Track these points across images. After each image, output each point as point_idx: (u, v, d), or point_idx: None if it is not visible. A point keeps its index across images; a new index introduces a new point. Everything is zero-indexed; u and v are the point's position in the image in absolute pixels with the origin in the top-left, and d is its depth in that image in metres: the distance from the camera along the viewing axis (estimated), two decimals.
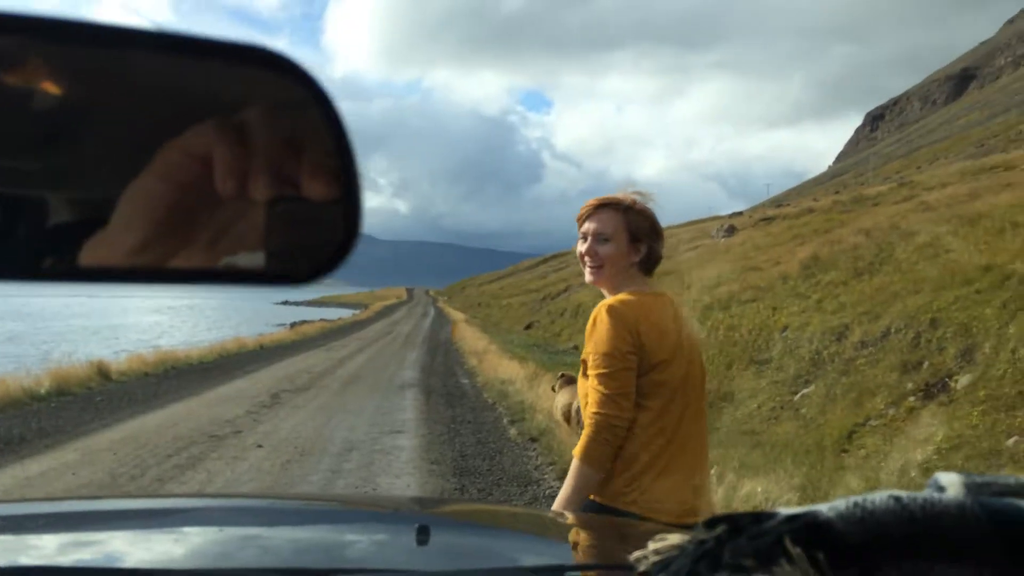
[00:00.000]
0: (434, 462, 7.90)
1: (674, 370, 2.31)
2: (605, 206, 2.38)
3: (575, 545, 1.65)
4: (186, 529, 1.58)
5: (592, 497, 2.28)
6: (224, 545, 1.39)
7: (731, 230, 38.18)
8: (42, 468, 7.39)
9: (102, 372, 13.98)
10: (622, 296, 2.33)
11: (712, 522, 0.49)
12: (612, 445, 2.23)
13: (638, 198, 2.40)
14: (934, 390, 8.94)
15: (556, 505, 2.25)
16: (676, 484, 2.28)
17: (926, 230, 14.46)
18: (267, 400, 12.06)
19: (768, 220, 35.54)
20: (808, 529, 0.45)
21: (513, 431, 9.74)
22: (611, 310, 2.28)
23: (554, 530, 1.78)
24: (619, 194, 2.40)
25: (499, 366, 16.31)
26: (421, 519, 1.52)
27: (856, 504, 0.46)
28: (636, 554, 0.52)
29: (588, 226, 2.39)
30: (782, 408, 11.25)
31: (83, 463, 7.67)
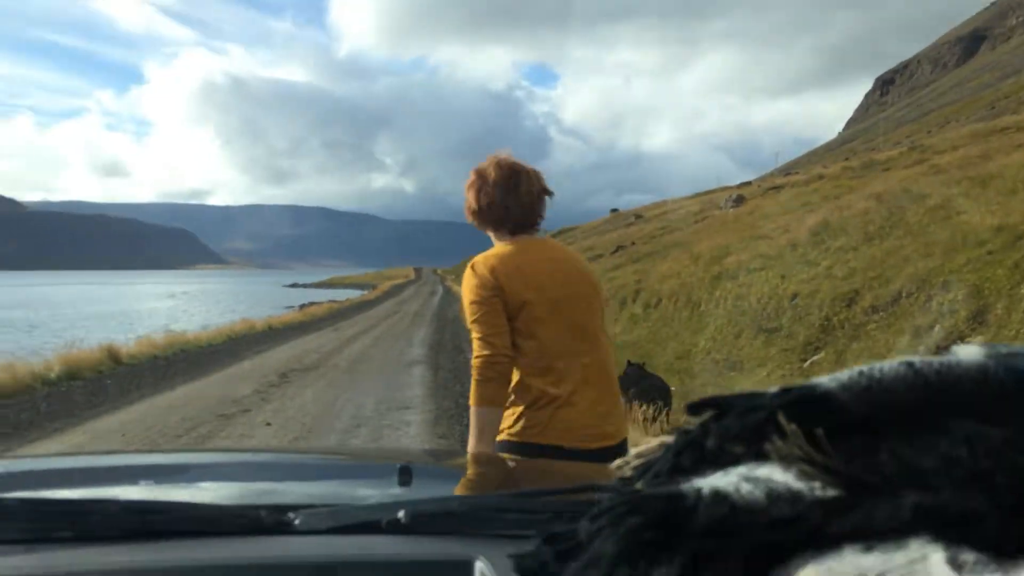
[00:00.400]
0: (442, 436, 7.86)
1: (547, 305, 2.43)
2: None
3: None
4: (204, 484, 1.67)
5: (505, 437, 2.40)
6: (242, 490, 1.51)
7: (740, 200, 37.94)
8: (50, 451, 7.39)
9: (112, 356, 14.01)
10: (482, 254, 2.55)
11: (696, 406, 0.43)
12: (498, 382, 2.35)
13: (488, 162, 2.60)
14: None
15: (469, 449, 2.35)
16: (581, 412, 2.38)
17: (937, 193, 14.27)
18: (275, 379, 12.05)
19: (777, 189, 35.29)
20: (804, 402, 0.40)
21: None
22: (470, 267, 2.51)
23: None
24: (480, 164, 2.63)
25: None
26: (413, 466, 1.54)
27: (861, 373, 0.40)
28: (617, 462, 0.48)
29: None
30: (791, 376, 11.16)
31: (92, 445, 7.68)
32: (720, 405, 0.42)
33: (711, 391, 11.42)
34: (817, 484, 0.37)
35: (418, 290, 65.62)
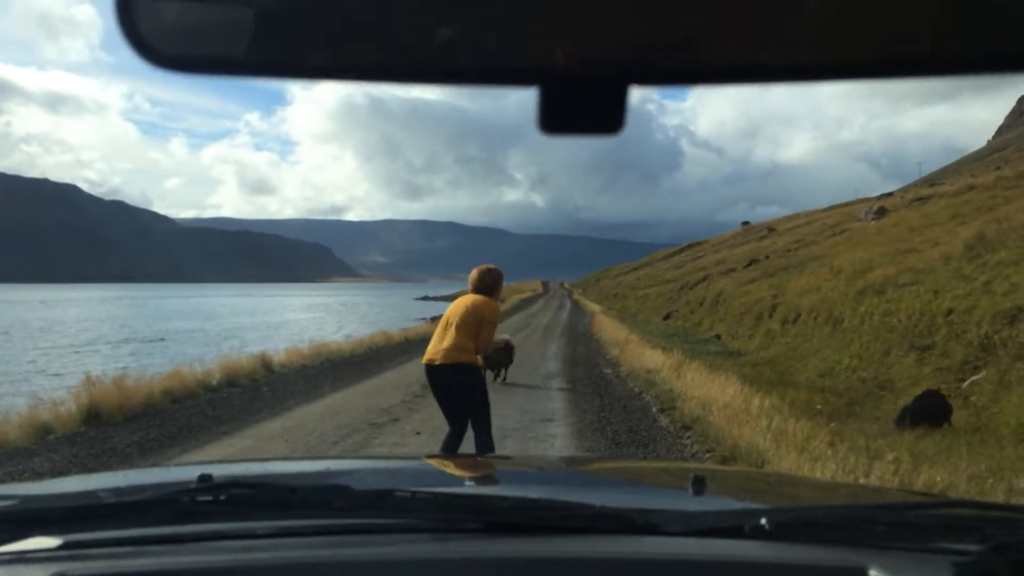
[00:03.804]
0: (589, 450, 7.95)
1: (448, 318, 6.05)
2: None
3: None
4: (505, 487, 1.79)
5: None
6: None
7: (881, 212, 36.34)
8: (222, 454, 7.94)
9: (265, 364, 14.84)
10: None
11: None
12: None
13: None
14: None
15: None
16: (430, 349, 6.00)
17: None
18: (419, 390, 12.43)
19: (922, 200, 33.60)
20: None
21: (664, 419, 9.66)
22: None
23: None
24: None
25: (642, 356, 16.18)
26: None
27: None
28: None
29: None
30: (948, 396, 10.65)
31: (258, 450, 8.18)
32: None
33: (859, 410, 11.02)
34: None
35: (546, 304, 65.98)
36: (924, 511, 1.26)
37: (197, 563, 1.06)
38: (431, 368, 5.93)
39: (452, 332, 5.81)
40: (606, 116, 0.51)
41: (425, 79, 0.51)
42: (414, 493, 1.22)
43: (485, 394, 6.03)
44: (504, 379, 13.56)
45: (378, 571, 1.04)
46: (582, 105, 0.50)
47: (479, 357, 5.99)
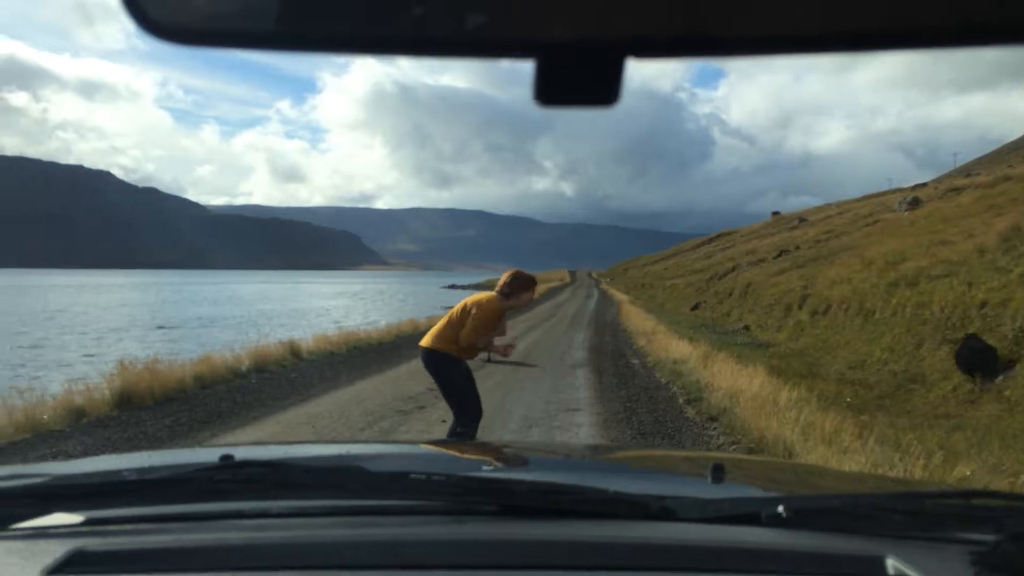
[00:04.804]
0: (614, 440, 7.93)
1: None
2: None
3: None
4: (524, 472, 1.78)
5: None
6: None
7: (915, 202, 35.83)
8: (250, 440, 8.02)
9: (294, 351, 14.96)
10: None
11: None
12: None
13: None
14: None
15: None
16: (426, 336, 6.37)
17: None
18: None
19: (957, 191, 33.05)
20: None
21: (691, 411, 9.62)
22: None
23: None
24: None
25: (669, 346, 16.11)
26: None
27: None
28: None
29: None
30: (982, 390, 10.49)
31: (285, 435, 8.27)
32: None
33: (889, 404, 10.89)
34: None
35: (573, 293, 65.89)
36: (942, 500, 1.25)
37: (214, 540, 1.07)
38: (421, 350, 6.41)
39: (443, 322, 6.30)
40: (602, 88, 0.50)
41: (423, 51, 0.51)
42: (429, 475, 1.22)
43: (461, 385, 6.18)
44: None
45: (392, 551, 1.04)
46: (579, 77, 0.50)
47: (474, 348, 6.20)
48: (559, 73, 0.50)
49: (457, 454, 2.06)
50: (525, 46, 0.49)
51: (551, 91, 0.50)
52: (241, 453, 1.43)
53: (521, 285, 6.22)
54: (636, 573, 1.02)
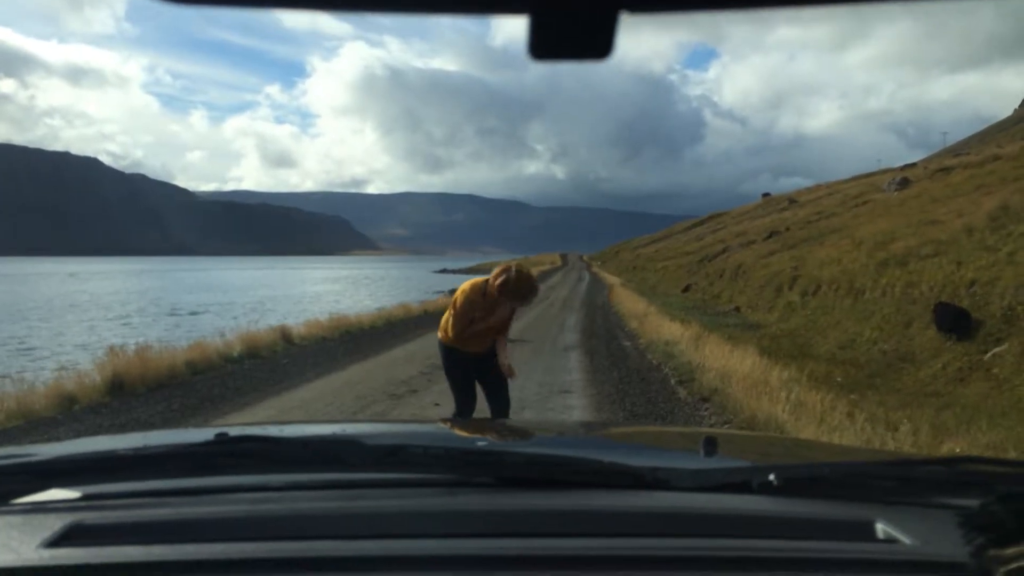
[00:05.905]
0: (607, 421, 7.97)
1: None
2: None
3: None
4: (520, 448, 1.75)
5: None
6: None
7: (904, 183, 35.92)
8: (244, 423, 8.03)
9: (285, 337, 14.96)
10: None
11: None
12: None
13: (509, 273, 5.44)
14: None
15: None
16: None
17: None
18: (438, 362, 12.39)
19: (946, 171, 33.14)
20: None
21: (683, 391, 9.66)
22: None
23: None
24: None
25: (661, 328, 16.16)
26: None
27: None
28: None
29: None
30: (970, 369, 10.57)
31: (279, 419, 8.26)
32: None
33: (879, 382, 10.97)
34: None
35: (565, 276, 65.93)
36: (931, 467, 1.27)
37: (212, 513, 1.08)
38: None
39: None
40: (595, 42, 0.51)
41: (414, 7, 0.51)
42: (425, 449, 1.23)
43: (447, 372, 6.16)
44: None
45: (388, 523, 1.06)
46: (572, 30, 0.50)
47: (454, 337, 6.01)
48: (553, 27, 0.50)
49: (452, 430, 2.08)
50: (519, 2, 0.49)
51: (545, 45, 0.51)
52: (236, 432, 1.43)
53: (506, 283, 5.38)
54: (630, 539, 1.03)
